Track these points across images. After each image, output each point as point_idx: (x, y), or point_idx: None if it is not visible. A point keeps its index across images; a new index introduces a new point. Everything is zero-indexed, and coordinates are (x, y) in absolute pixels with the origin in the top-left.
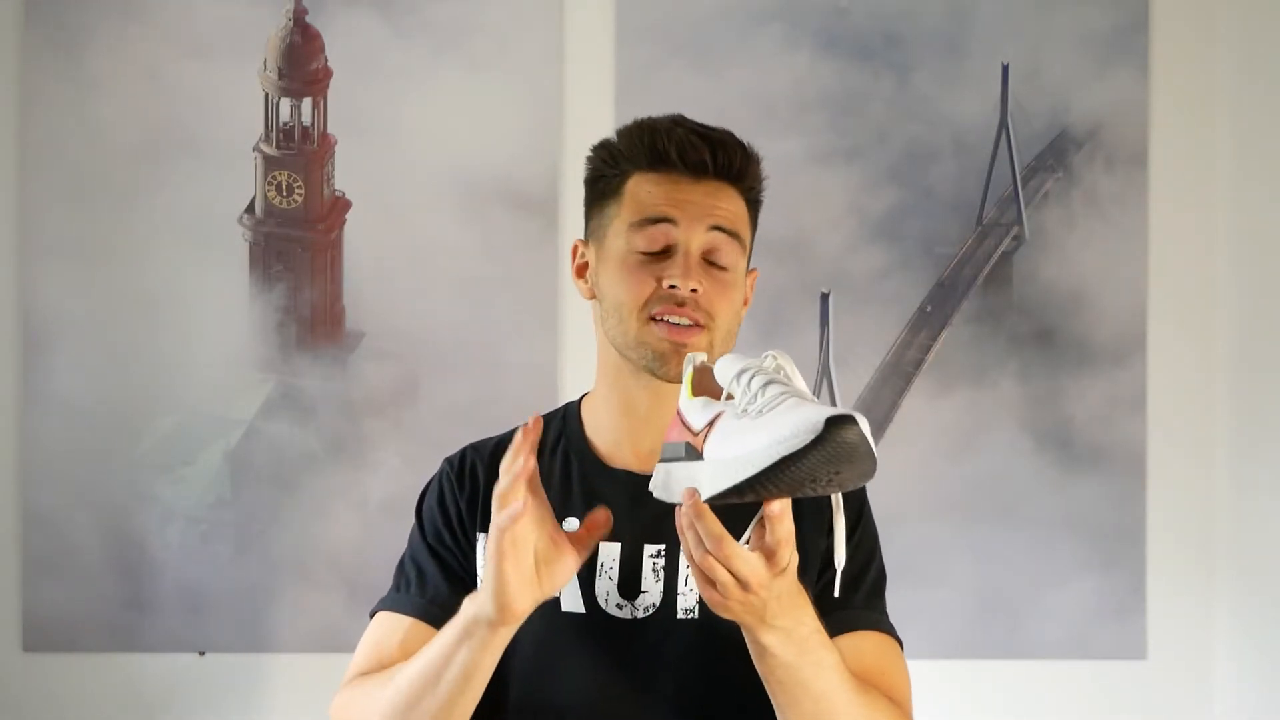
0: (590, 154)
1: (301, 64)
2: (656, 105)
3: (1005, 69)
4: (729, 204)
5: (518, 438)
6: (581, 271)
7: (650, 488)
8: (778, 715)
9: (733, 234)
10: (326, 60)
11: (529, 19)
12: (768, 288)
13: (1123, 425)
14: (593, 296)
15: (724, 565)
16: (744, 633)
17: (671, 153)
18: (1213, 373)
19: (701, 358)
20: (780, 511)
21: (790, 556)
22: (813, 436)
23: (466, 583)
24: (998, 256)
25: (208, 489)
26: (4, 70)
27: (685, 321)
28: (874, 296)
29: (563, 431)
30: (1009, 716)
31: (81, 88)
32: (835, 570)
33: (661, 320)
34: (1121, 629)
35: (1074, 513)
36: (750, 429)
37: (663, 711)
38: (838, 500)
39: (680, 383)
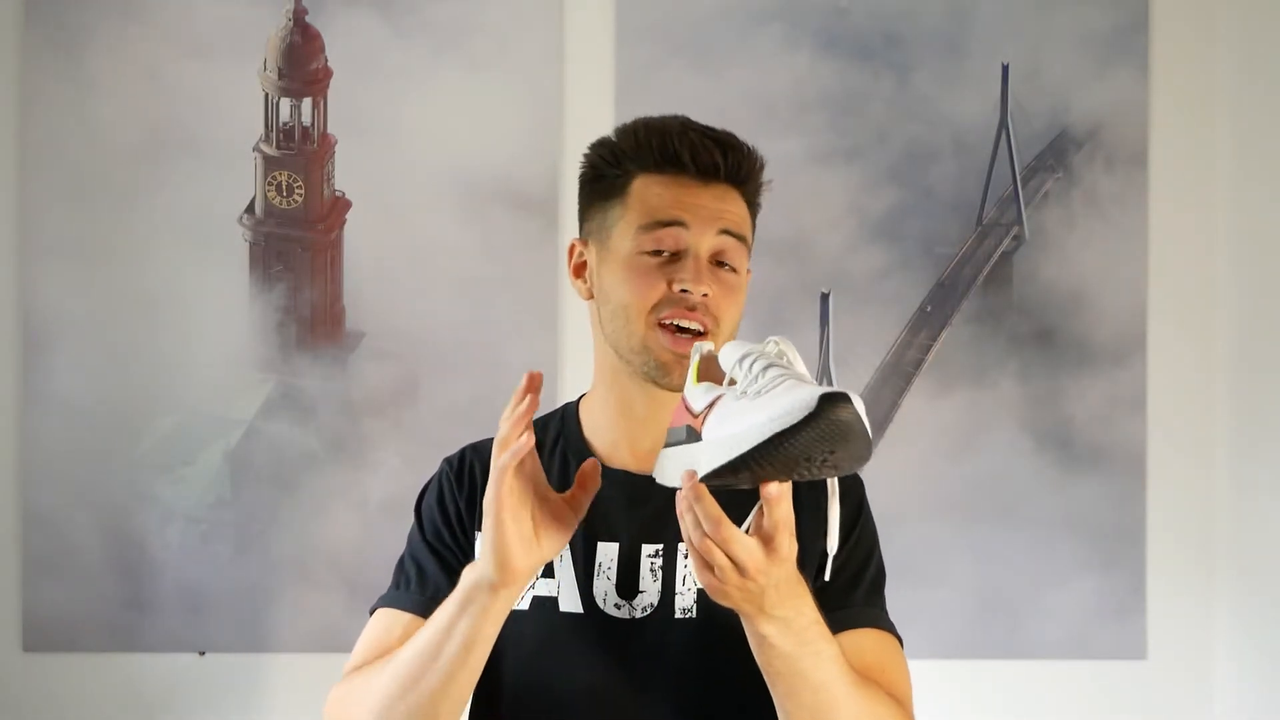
0: (588, 152)
1: (301, 64)
2: (656, 105)
3: (1005, 69)
4: (736, 207)
5: (520, 385)
6: (579, 271)
7: (653, 473)
8: (777, 707)
9: (740, 237)
10: (326, 60)
11: (529, 19)
12: (768, 288)
13: (1123, 425)
14: (591, 297)
15: (722, 549)
16: (743, 622)
17: (684, 155)
18: (1213, 373)
19: (708, 347)
20: (778, 494)
21: (789, 544)
22: (806, 413)
23: None
24: (998, 256)
25: (208, 489)
26: (4, 70)
27: (695, 326)
28: (874, 296)
29: (561, 432)
30: (1009, 716)
31: (81, 88)
32: (828, 557)
33: (669, 325)
34: (1121, 629)
35: (1074, 513)
36: (748, 409)
37: (661, 711)
38: (833, 485)
39: (680, 391)
